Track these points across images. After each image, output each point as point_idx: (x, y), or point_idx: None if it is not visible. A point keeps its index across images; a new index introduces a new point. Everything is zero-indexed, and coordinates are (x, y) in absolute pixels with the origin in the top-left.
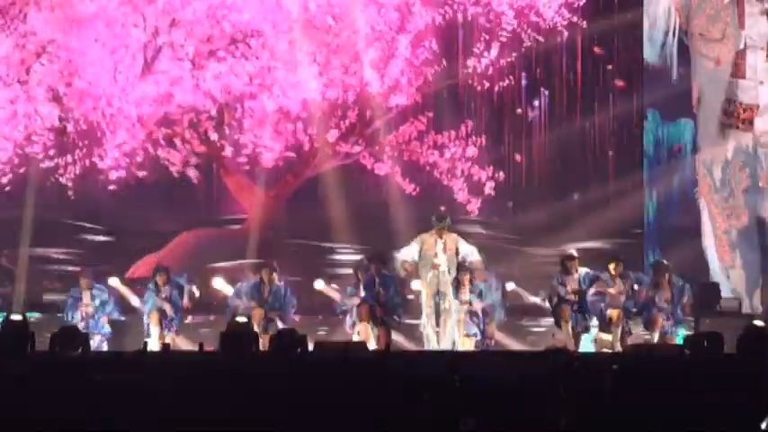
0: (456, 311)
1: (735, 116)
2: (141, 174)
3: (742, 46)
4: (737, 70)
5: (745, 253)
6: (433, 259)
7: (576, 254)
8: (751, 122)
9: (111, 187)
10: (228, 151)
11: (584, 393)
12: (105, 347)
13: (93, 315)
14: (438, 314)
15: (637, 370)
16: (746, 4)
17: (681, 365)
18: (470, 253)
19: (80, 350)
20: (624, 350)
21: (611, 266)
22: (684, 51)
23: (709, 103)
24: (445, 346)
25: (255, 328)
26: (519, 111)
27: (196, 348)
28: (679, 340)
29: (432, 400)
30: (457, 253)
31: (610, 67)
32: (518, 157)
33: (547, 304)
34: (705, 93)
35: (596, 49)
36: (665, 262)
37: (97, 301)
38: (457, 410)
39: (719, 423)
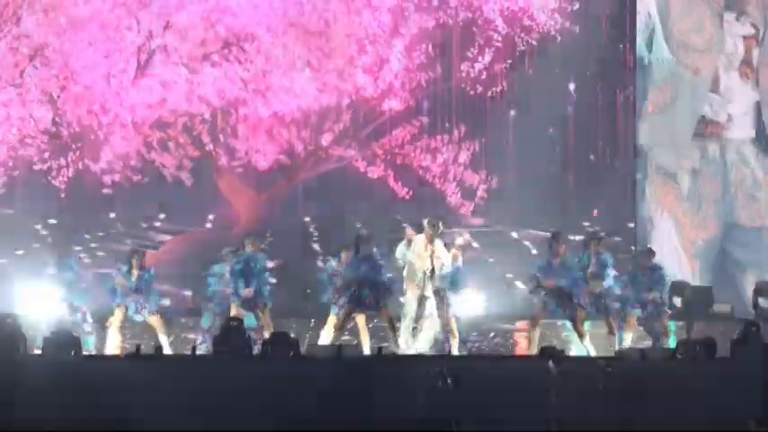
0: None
1: (702, 127)
2: (135, 177)
3: (719, 63)
4: (714, 85)
5: (702, 266)
6: (421, 262)
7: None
8: (718, 135)
9: (105, 190)
10: (222, 155)
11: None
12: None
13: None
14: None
15: (630, 373)
16: (725, 23)
17: (674, 369)
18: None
19: (72, 353)
20: (617, 354)
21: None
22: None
23: (681, 110)
24: (423, 347)
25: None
26: (511, 114)
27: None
28: (672, 343)
29: (424, 401)
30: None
31: (602, 71)
32: (510, 161)
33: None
34: (678, 99)
35: (589, 54)
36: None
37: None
38: (449, 412)
39: (711, 425)
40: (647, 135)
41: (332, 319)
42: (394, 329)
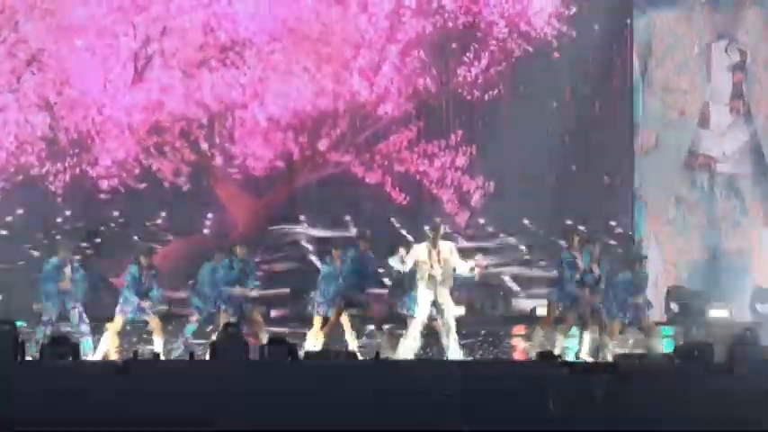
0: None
1: (693, 160)
2: (131, 182)
3: (707, 98)
4: (703, 120)
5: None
6: (428, 270)
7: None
8: (709, 167)
9: (102, 195)
10: (219, 160)
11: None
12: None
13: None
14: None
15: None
16: (714, 57)
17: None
18: (459, 267)
19: (70, 358)
20: (615, 359)
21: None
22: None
23: (666, 151)
24: (454, 357)
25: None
26: (508, 120)
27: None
28: (667, 347)
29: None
30: (452, 265)
31: (599, 77)
32: (508, 166)
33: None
34: (662, 140)
35: (585, 59)
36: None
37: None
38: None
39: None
40: (637, 176)
41: (318, 322)
42: (381, 329)
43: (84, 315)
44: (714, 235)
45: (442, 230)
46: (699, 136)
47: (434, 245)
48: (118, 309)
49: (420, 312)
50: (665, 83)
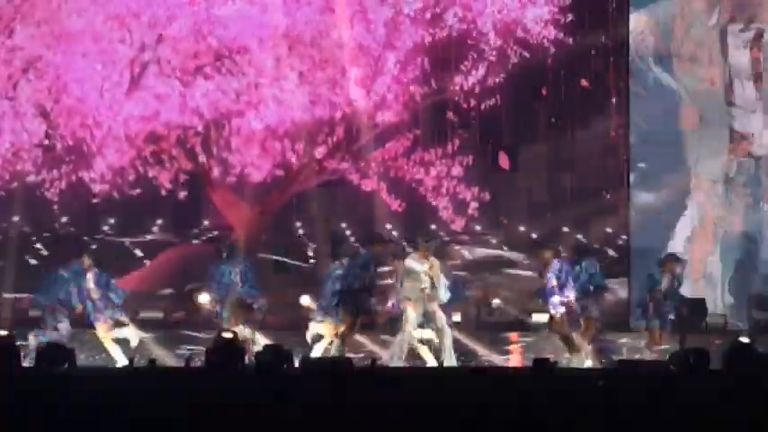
0: (449, 333)
1: (733, 142)
2: (128, 189)
3: (727, 76)
4: (728, 97)
5: (724, 254)
6: (418, 280)
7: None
8: (749, 151)
9: (97, 201)
10: (215, 168)
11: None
12: None
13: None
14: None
15: (623, 385)
16: (729, 36)
17: (667, 381)
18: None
19: (66, 365)
20: (611, 366)
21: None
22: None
23: (711, 123)
24: (449, 363)
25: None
26: (505, 128)
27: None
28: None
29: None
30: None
31: (596, 83)
32: (504, 176)
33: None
34: (706, 113)
35: (582, 66)
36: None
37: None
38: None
39: None
40: (691, 150)
41: (330, 328)
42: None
43: (59, 314)
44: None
45: (436, 243)
46: (728, 112)
47: (426, 257)
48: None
49: (408, 323)
50: (692, 56)
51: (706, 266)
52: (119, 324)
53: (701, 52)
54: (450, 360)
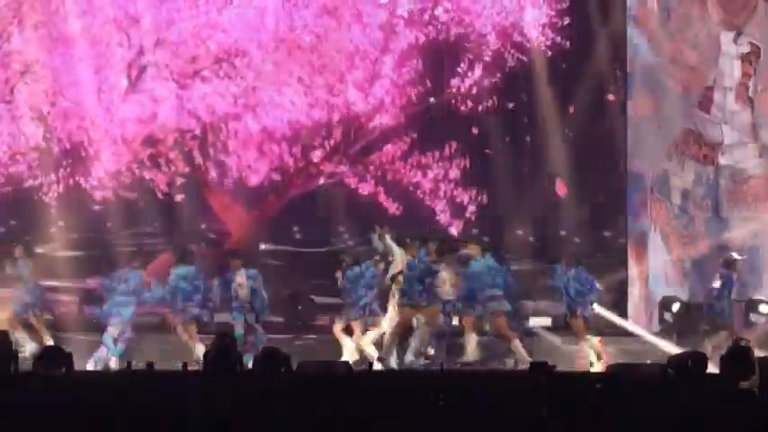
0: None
1: (695, 148)
2: (125, 192)
3: (711, 83)
4: (703, 105)
5: (694, 284)
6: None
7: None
8: (713, 160)
9: (95, 206)
10: (212, 171)
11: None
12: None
13: None
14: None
15: (620, 389)
16: (723, 44)
17: (665, 385)
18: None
19: (64, 369)
20: (608, 369)
21: None
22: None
23: (664, 123)
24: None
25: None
26: (502, 131)
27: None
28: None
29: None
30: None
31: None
32: (502, 177)
33: None
34: (662, 111)
35: (580, 69)
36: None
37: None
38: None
39: None
40: (632, 141)
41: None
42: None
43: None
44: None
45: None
46: (696, 118)
47: (414, 255)
48: None
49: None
50: (675, 55)
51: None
52: None
53: (689, 53)
54: (411, 359)
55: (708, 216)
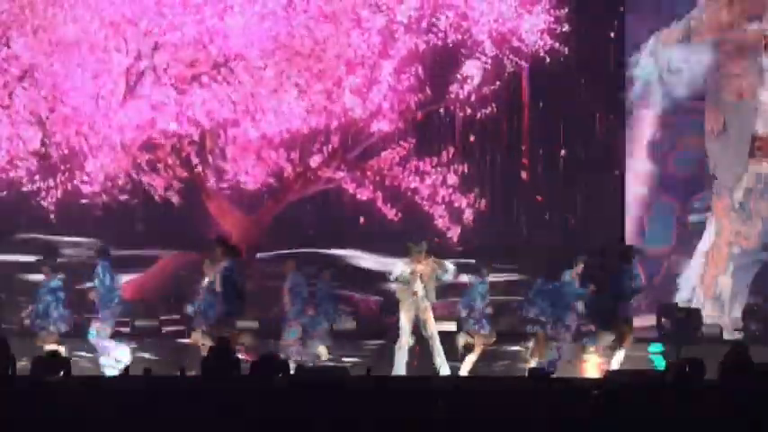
0: (437, 338)
1: (754, 146)
2: (123, 198)
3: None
4: (755, 101)
5: (737, 273)
6: (411, 286)
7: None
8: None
9: (94, 211)
10: (211, 177)
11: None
12: None
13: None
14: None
15: (618, 395)
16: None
17: (662, 391)
18: (446, 272)
19: (62, 374)
20: (606, 375)
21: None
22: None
23: (732, 133)
24: (445, 371)
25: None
26: (501, 137)
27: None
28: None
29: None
30: (436, 278)
31: (592, 92)
32: (500, 184)
33: None
34: (729, 123)
35: (578, 76)
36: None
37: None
38: None
39: None
40: (713, 157)
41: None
42: None
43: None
44: None
45: (424, 247)
46: (758, 117)
47: (418, 261)
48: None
49: (404, 327)
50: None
51: (717, 286)
52: None
53: (733, 63)
54: (445, 368)
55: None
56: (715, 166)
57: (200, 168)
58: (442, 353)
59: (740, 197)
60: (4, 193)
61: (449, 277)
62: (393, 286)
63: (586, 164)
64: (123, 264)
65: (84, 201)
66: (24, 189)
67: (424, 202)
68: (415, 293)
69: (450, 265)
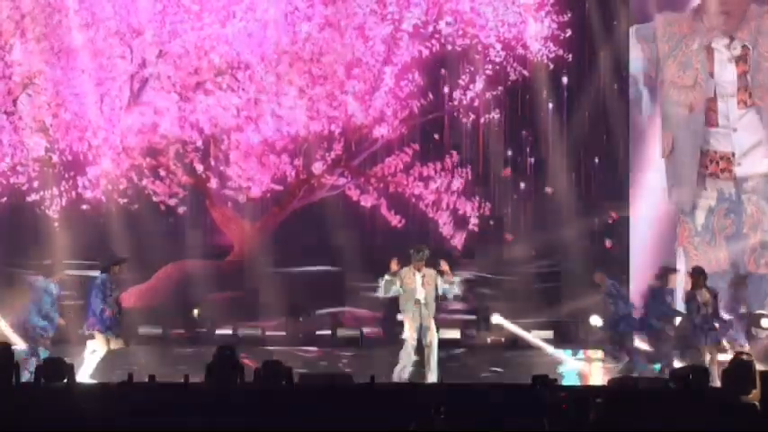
0: (436, 348)
1: (713, 165)
2: (127, 204)
3: (712, 94)
4: (709, 119)
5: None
6: (414, 294)
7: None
8: (730, 171)
9: (97, 217)
10: (214, 183)
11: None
12: None
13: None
14: (420, 348)
15: (622, 403)
16: (715, 52)
17: (666, 398)
18: (449, 291)
19: (65, 381)
20: (609, 382)
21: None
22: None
23: (683, 150)
24: (432, 380)
25: None
26: (503, 143)
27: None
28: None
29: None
30: (436, 288)
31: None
32: (503, 189)
33: None
34: (678, 140)
35: (581, 82)
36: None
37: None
38: None
39: None
40: (663, 179)
41: None
42: None
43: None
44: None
45: (427, 254)
46: (707, 135)
47: (419, 268)
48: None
49: (408, 335)
50: (673, 79)
51: None
52: None
53: (684, 75)
54: (433, 377)
55: (731, 233)
56: (671, 188)
57: (203, 174)
58: (435, 363)
59: (702, 221)
60: (4, 199)
61: (454, 290)
62: (381, 294)
63: (591, 168)
64: (126, 271)
65: (87, 207)
66: (28, 195)
67: (429, 209)
68: (417, 302)
69: (455, 278)
